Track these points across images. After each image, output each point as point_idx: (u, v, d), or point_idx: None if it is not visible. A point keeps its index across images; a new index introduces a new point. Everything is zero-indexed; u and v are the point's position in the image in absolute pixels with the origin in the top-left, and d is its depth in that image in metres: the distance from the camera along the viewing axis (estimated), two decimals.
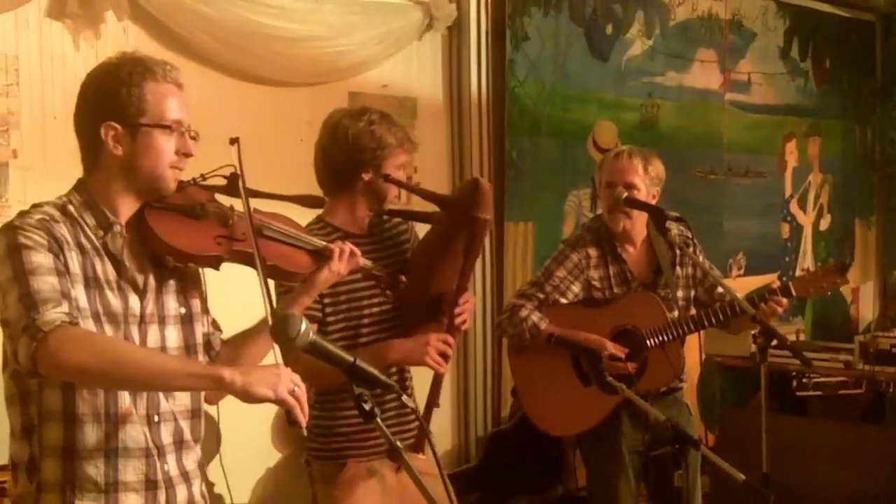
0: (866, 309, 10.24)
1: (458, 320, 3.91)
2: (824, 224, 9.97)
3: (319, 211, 3.94)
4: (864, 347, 6.81)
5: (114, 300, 2.78)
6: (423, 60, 6.83)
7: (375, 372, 2.68)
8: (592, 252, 4.75)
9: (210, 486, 5.18)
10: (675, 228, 4.66)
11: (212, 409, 5.02)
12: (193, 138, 2.91)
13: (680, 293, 4.81)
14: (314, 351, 2.65)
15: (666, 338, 4.68)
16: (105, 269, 2.78)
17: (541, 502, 6.54)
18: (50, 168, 5.03)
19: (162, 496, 2.87)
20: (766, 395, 4.61)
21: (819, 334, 9.22)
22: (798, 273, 9.32)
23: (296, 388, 2.64)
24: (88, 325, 2.70)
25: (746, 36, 9.05)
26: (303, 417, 2.65)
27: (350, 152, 3.89)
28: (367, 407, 2.61)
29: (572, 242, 4.84)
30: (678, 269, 4.81)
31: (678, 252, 4.77)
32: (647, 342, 4.67)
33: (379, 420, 2.63)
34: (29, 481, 2.76)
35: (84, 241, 2.76)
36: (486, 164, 6.99)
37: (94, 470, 2.75)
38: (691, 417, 4.92)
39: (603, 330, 4.68)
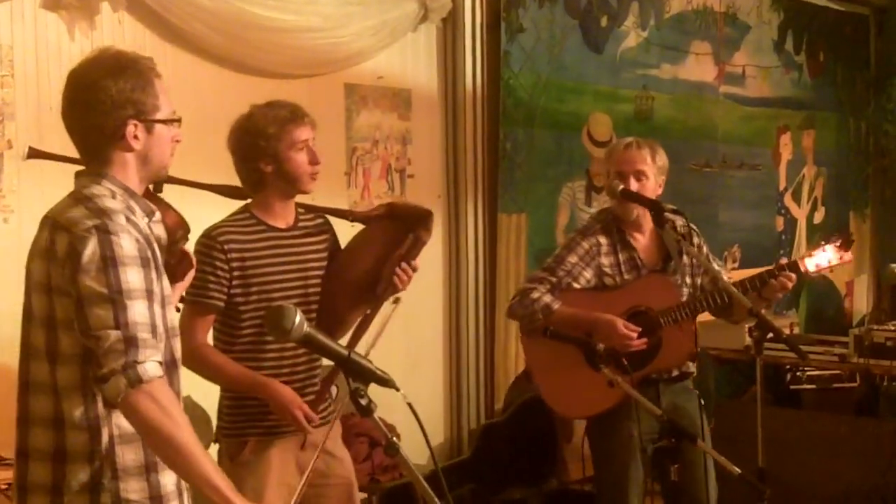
0: (860, 302, 10.24)
1: (402, 276, 4.05)
2: (818, 217, 9.98)
3: (240, 201, 4.10)
4: (858, 340, 6.79)
5: (167, 283, 2.95)
6: (418, 52, 6.82)
7: (371, 366, 2.67)
8: (602, 240, 4.80)
9: None
10: (680, 219, 4.80)
11: (203, 404, 5.03)
12: None
13: (688, 280, 4.88)
14: (308, 343, 2.65)
15: (679, 317, 4.72)
16: (159, 253, 2.92)
17: (534, 495, 6.52)
18: None
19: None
20: (761, 389, 4.61)
21: (813, 327, 9.22)
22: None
23: None
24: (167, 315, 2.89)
25: (741, 29, 9.06)
26: None
27: (244, 153, 4.02)
28: (363, 402, 2.60)
29: (582, 231, 4.90)
30: (685, 257, 4.86)
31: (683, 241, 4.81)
32: (661, 322, 4.72)
33: (376, 416, 2.63)
34: (93, 472, 2.81)
35: (144, 228, 2.89)
36: (479, 155, 6.98)
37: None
38: (702, 405, 4.93)
39: (617, 311, 4.72)
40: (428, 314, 6.82)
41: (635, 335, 4.64)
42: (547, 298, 4.72)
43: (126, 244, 2.75)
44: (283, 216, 4.08)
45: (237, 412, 4.07)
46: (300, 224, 4.14)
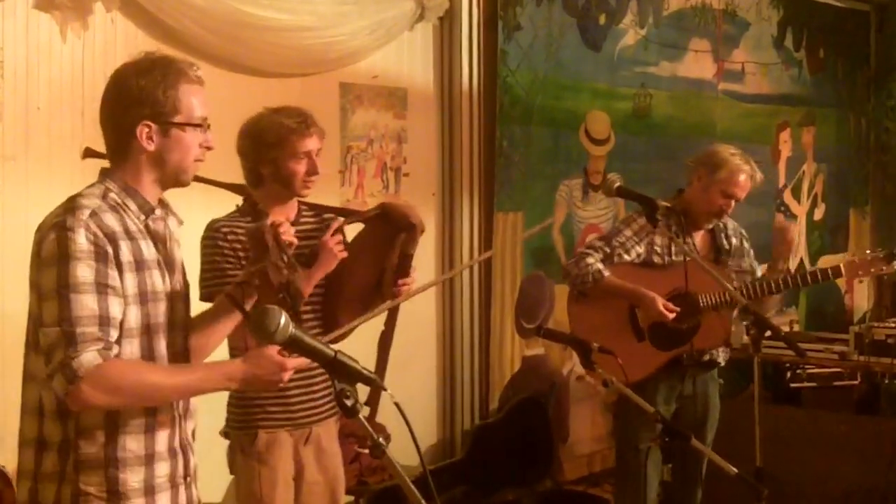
0: (861, 299, 10.21)
1: (402, 288, 4.21)
2: (818, 213, 9.96)
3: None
4: (859, 338, 6.76)
5: (158, 279, 2.99)
6: (415, 51, 6.80)
7: (357, 366, 2.65)
8: (660, 221, 4.95)
9: None
10: (731, 223, 5.31)
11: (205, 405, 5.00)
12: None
13: (733, 274, 5.21)
14: (293, 345, 2.63)
15: (718, 303, 5.05)
16: (149, 250, 2.98)
17: (527, 495, 6.50)
18: (31, 158, 5.00)
19: (181, 461, 3.09)
20: (759, 387, 4.59)
21: (813, 325, 9.19)
22: (793, 264, 9.34)
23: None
24: (139, 311, 2.91)
25: (740, 25, 9.04)
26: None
27: (246, 153, 4.19)
28: (349, 403, 2.58)
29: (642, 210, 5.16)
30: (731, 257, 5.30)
31: (733, 243, 5.30)
32: (702, 305, 5.04)
33: (361, 416, 2.60)
34: (60, 461, 2.90)
35: (130, 225, 2.94)
36: (476, 153, 6.97)
37: (136, 444, 2.95)
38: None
39: (661, 290, 5.05)
40: (421, 312, 6.78)
41: (672, 315, 4.99)
42: (600, 265, 5.06)
43: (80, 239, 2.81)
44: (282, 212, 4.14)
45: (247, 403, 4.15)
46: (301, 220, 4.24)
